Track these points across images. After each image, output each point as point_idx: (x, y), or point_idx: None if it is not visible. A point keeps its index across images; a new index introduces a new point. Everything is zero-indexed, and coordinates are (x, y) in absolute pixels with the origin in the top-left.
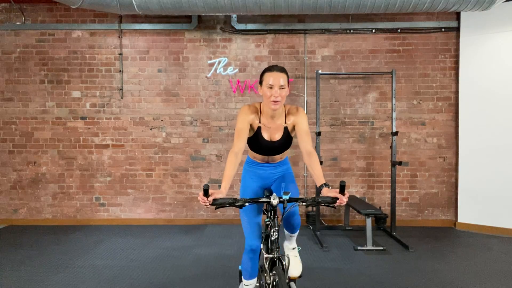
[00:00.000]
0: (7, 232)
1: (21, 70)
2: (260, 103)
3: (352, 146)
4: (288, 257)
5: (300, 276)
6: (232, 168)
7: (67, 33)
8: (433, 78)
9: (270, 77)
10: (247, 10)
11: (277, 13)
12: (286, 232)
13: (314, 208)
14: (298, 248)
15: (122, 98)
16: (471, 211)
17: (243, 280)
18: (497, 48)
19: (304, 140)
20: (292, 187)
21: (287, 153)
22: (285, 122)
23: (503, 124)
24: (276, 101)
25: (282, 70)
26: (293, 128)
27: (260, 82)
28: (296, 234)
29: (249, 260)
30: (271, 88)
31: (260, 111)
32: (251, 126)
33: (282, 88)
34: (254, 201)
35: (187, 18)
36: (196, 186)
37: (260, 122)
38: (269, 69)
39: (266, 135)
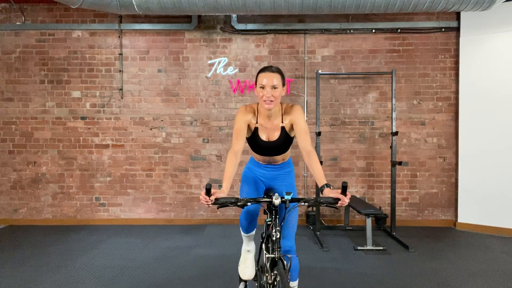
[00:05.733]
0: (7, 232)
1: (21, 70)
2: (258, 103)
3: (352, 146)
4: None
5: None
6: (232, 168)
7: (67, 33)
8: (433, 78)
9: (263, 78)
10: (247, 10)
11: (277, 13)
12: None
13: (314, 208)
14: None
15: (122, 98)
16: (471, 211)
17: (242, 233)
18: (497, 48)
19: (302, 139)
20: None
21: (289, 154)
22: (282, 122)
23: (503, 124)
24: (269, 101)
25: (276, 70)
26: (292, 127)
27: (256, 83)
28: (295, 284)
29: (245, 219)
30: (263, 88)
31: (257, 111)
32: (248, 127)
33: (275, 88)
34: (255, 200)
35: (187, 18)
36: (196, 186)
37: (257, 123)
38: (263, 70)
39: (263, 136)
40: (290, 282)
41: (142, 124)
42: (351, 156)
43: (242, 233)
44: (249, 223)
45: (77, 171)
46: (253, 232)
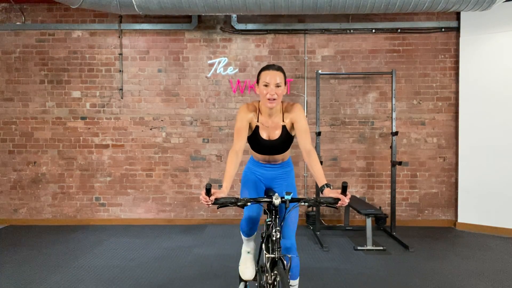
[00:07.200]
0: (7, 232)
1: (21, 70)
2: (259, 101)
3: (352, 146)
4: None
5: None
6: (233, 167)
7: (67, 33)
8: (433, 78)
9: (266, 76)
10: (247, 10)
11: (277, 13)
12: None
13: (314, 208)
14: None
15: (122, 98)
16: (471, 211)
17: (242, 236)
18: (497, 48)
19: (302, 138)
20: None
21: (289, 154)
22: (283, 121)
23: (503, 124)
24: (272, 99)
25: (279, 69)
26: (292, 126)
27: (257, 81)
28: (296, 283)
29: (246, 225)
30: (266, 86)
31: (259, 110)
32: (249, 125)
33: (278, 87)
34: (255, 200)
35: (187, 18)
36: (196, 186)
37: (258, 121)
38: (266, 67)
39: (264, 134)
40: (291, 281)
41: (142, 124)
42: (351, 156)
43: (243, 236)
44: (250, 229)
45: (77, 171)
46: (254, 236)
